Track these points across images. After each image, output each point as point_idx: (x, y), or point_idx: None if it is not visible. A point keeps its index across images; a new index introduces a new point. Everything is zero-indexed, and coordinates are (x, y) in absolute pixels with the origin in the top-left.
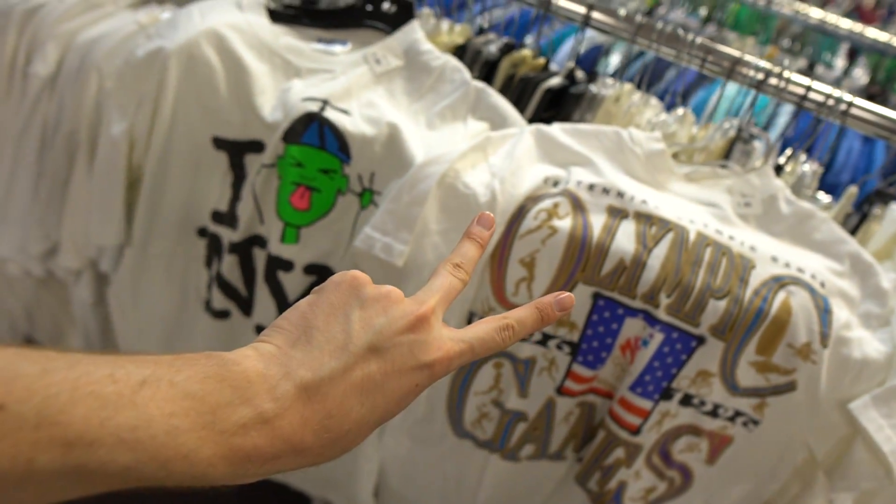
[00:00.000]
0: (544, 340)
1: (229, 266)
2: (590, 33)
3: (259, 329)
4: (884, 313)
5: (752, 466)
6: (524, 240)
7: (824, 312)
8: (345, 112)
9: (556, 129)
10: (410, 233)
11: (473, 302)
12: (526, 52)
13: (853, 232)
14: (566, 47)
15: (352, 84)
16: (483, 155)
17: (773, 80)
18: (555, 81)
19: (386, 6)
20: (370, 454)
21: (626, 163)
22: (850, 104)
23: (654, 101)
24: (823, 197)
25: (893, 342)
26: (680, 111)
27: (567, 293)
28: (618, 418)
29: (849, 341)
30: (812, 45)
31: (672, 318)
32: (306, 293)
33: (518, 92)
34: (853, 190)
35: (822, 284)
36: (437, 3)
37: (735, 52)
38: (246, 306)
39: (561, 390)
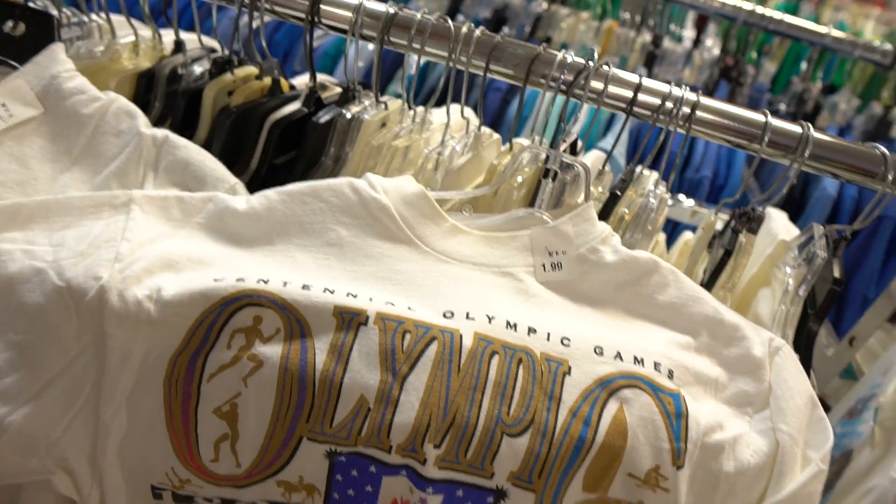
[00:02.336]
0: None
1: None
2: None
3: None
4: (760, 391)
5: None
6: (217, 380)
7: (676, 419)
8: None
9: (253, 200)
10: None
11: (152, 476)
12: (248, 70)
13: (717, 272)
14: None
15: None
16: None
17: (586, 82)
18: (288, 110)
19: (8, 26)
20: None
21: (373, 224)
22: (695, 105)
23: (437, 118)
24: (685, 200)
25: (775, 434)
26: (472, 128)
27: None
28: None
29: (718, 450)
30: (656, 15)
31: (450, 472)
32: None
33: (235, 132)
34: (712, 218)
35: (671, 374)
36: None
37: (527, 47)
38: None
39: None
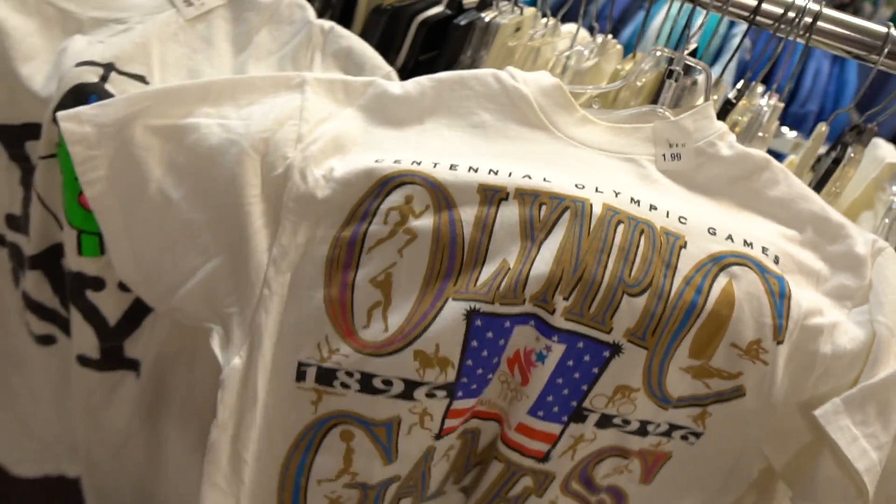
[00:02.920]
0: (408, 392)
1: (34, 284)
2: None
3: (81, 360)
4: (861, 287)
5: (698, 481)
6: (374, 252)
7: (780, 298)
8: (139, 78)
9: (408, 85)
10: None
11: (301, 349)
12: None
13: (824, 180)
14: None
15: (152, 36)
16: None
17: None
18: (433, 11)
19: None
20: None
21: (513, 111)
22: (817, 15)
23: (566, 28)
24: (788, 133)
25: (872, 325)
26: (599, 38)
27: None
28: (518, 446)
29: (817, 332)
30: None
31: (574, 324)
32: (132, 312)
33: (386, 29)
34: (823, 129)
35: (777, 260)
36: None
37: None
38: (67, 326)
39: (441, 435)
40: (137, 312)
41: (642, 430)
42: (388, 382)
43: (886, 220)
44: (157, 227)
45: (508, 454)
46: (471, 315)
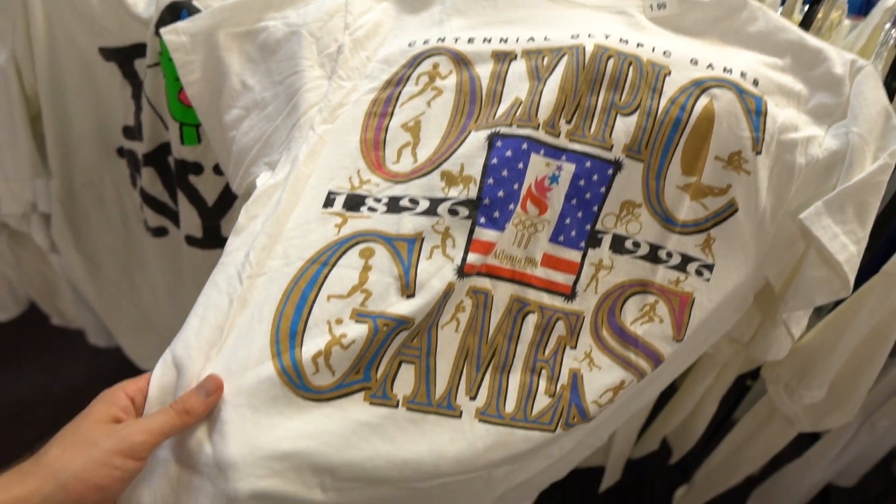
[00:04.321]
0: (432, 208)
1: (148, 179)
2: None
3: (189, 240)
4: (839, 104)
5: (719, 324)
6: (407, 105)
7: (756, 115)
8: None
9: None
10: None
11: (333, 180)
12: None
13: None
14: None
15: None
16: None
17: None
18: None
19: None
20: None
21: None
22: None
23: None
24: None
25: (847, 136)
26: None
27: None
28: (546, 283)
29: (792, 145)
30: None
31: (579, 144)
32: (225, 194)
33: None
34: None
35: (756, 83)
36: None
37: None
38: (176, 218)
39: (463, 271)
40: (229, 195)
41: (654, 257)
42: (414, 201)
43: (881, 50)
44: (238, 110)
45: (539, 297)
46: (492, 137)
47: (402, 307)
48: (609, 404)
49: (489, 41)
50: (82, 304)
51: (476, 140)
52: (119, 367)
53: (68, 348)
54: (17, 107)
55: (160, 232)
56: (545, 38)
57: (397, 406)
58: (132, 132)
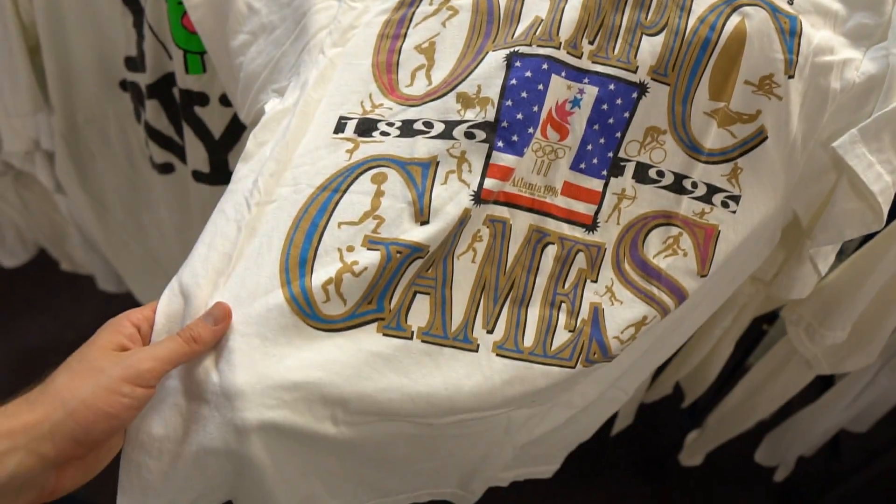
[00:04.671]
0: (447, 131)
1: (153, 113)
2: None
3: (196, 175)
4: (880, 24)
5: (747, 261)
6: (421, 26)
7: (790, 35)
8: None
9: None
10: None
11: (344, 105)
12: None
13: None
14: None
15: None
16: None
17: None
18: None
19: None
20: None
21: None
22: None
23: None
24: None
25: (888, 59)
26: None
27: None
28: (566, 213)
29: (827, 68)
30: None
31: (602, 66)
32: (232, 127)
33: None
34: None
35: (791, 1)
36: None
37: None
38: (182, 153)
39: (479, 197)
40: (237, 127)
41: (678, 186)
42: (428, 124)
43: None
44: (245, 35)
45: (559, 228)
46: (510, 57)
47: (416, 234)
48: (630, 341)
49: None
50: (91, 248)
51: (493, 60)
52: None
53: (79, 295)
54: (13, 35)
55: (166, 168)
56: None
57: (412, 338)
58: (135, 63)
